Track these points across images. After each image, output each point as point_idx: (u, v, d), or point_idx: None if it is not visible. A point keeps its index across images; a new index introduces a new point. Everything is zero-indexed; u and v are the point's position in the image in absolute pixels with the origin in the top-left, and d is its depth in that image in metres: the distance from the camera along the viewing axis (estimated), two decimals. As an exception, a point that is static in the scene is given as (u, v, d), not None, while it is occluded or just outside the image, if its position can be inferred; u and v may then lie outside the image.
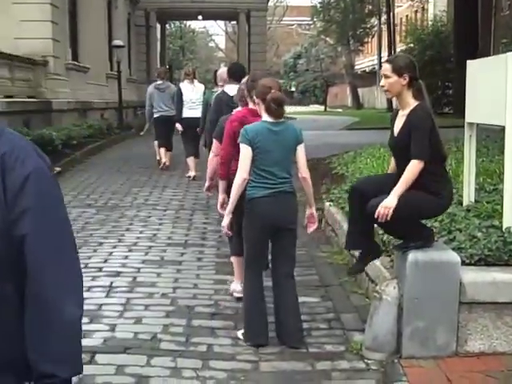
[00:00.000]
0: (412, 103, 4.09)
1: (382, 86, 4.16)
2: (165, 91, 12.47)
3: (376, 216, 4.01)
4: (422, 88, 4.12)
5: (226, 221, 4.61)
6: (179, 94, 11.48)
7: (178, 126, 11.58)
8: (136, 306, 5.30)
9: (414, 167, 4.00)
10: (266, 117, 4.45)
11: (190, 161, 11.55)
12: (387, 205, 3.98)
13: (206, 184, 5.77)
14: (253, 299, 4.58)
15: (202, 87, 11.47)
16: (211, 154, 5.57)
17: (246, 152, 4.39)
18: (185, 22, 54.37)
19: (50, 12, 16.72)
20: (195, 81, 11.57)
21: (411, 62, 4.16)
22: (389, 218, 3.98)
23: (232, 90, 6.56)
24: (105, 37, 23.84)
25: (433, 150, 4.06)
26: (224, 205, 4.95)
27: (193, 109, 11.12)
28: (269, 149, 4.38)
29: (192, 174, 11.44)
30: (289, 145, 4.47)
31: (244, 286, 4.78)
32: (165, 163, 12.66)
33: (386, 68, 4.09)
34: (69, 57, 18.97)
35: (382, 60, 44.54)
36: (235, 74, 7.01)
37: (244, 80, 5.65)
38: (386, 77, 4.06)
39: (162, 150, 12.74)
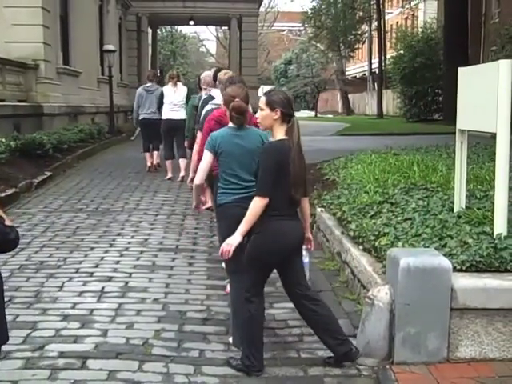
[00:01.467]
0: (279, 138, 4.18)
1: (256, 118, 4.33)
2: (152, 93, 12.75)
3: (220, 253, 4.13)
4: (293, 126, 4.13)
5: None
6: (161, 95, 11.95)
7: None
8: (128, 312, 5.28)
9: (254, 204, 4.06)
10: (230, 123, 4.64)
11: (169, 163, 12.17)
12: (230, 242, 4.07)
13: (190, 175, 5.95)
14: (237, 304, 4.55)
15: (184, 90, 11.81)
16: (196, 146, 5.80)
17: (206, 157, 4.59)
18: (176, 26, 54.34)
19: (41, 16, 16.67)
20: (179, 83, 11.96)
21: (286, 99, 4.18)
22: (230, 255, 4.06)
23: (218, 93, 6.87)
24: (96, 41, 23.81)
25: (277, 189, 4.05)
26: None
27: (174, 111, 11.61)
28: (233, 151, 4.52)
29: (169, 175, 12.09)
30: (252, 148, 4.53)
31: (230, 291, 4.81)
32: (155, 165, 13.07)
33: (262, 100, 4.21)
34: (60, 61, 18.91)
35: (373, 66, 44.79)
36: None
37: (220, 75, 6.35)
38: (261, 109, 4.19)
39: (147, 154, 13.27)
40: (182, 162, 11.70)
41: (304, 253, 4.37)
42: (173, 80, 11.87)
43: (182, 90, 11.73)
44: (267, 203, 4.05)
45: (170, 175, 12.11)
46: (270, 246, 4.12)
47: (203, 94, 8.72)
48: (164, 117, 11.91)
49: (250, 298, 4.22)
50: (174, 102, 11.68)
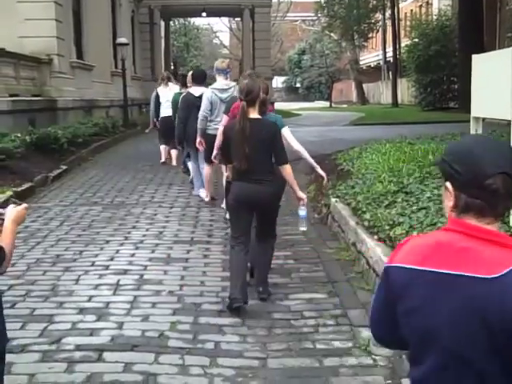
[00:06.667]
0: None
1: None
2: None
3: None
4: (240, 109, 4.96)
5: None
6: (157, 96, 13.12)
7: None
8: (143, 304, 5.30)
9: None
10: None
11: (173, 152, 13.04)
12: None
13: (214, 152, 7.11)
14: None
15: (176, 88, 12.42)
16: (221, 127, 6.52)
17: None
18: (189, 18, 54.29)
19: (54, 10, 16.75)
20: (170, 83, 13.20)
21: (241, 86, 5.14)
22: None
23: (196, 91, 8.52)
24: (109, 35, 23.88)
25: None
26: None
27: (168, 107, 12.30)
28: None
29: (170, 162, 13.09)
30: None
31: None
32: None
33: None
34: (73, 55, 19.00)
35: (387, 55, 44.49)
36: (198, 79, 8.94)
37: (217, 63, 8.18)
38: None
39: (162, 147, 13.61)
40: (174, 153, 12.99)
41: (302, 207, 5.22)
42: (164, 81, 13.18)
43: (174, 89, 12.40)
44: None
45: (174, 163, 12.90)
46: (228, 202, 5.24)
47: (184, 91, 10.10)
48: (161, 114, 12.96)
49: (233, 246, 5.21)
50: (167, 99, 12.52)
